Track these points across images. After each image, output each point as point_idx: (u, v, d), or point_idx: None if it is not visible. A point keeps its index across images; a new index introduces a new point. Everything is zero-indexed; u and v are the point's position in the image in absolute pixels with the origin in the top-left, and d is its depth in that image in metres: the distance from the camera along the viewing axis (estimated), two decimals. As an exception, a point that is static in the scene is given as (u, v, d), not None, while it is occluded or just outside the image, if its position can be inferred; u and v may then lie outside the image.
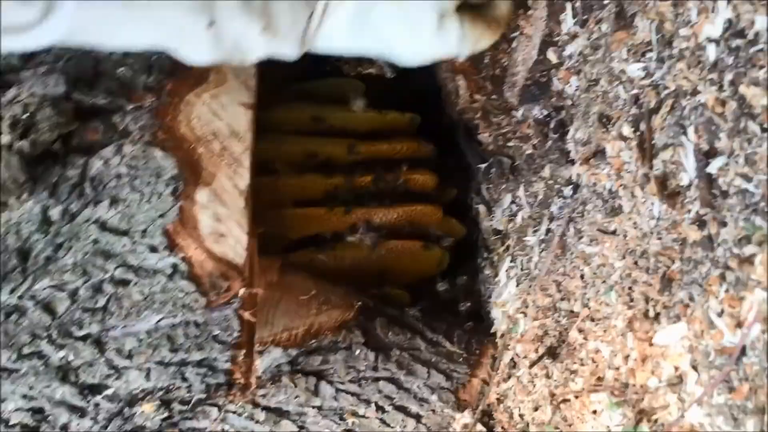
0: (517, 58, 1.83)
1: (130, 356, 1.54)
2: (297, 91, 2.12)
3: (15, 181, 1.42)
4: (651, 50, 1.32)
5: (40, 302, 1.49)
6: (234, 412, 1.81)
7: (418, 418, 1.85)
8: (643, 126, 1.33)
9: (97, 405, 1.62)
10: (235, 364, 1.63)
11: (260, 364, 1.74)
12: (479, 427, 1.78)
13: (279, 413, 1.82)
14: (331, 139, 2.00)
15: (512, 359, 1.78)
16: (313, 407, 1.82)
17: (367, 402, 1.83)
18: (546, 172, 1.87)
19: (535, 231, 1.87)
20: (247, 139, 1.58)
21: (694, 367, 1.17)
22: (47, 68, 1.48)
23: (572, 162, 1.71)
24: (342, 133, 2.05)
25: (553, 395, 1.58)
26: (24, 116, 1.42)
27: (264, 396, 1.80)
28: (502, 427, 1.75)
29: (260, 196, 1.86)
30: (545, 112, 1.88)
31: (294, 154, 1.94)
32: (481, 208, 2.19)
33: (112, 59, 1.52)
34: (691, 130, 1.21)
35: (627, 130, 1.37)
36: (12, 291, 1.47)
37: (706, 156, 1.17)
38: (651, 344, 1.28)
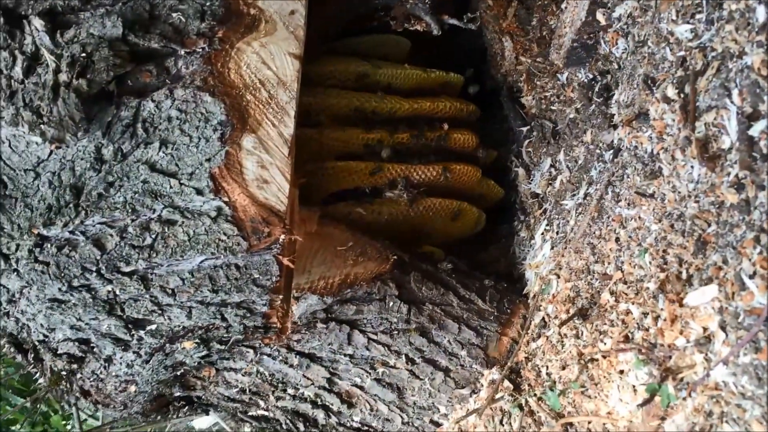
0: (566, 20, 1.83)
1: (173, 294, 1.60)
2: (343, 46, 2.13)
3: (72, 119, 1.48)
4: (700, 11, 1.31)
5: (90, 237, 1.56)
6: (269, 355, 1.88)
7: (446, 371, 1.89)
8: (687, 88, 1.32)
9: (140, 339, 1.70)
10: (273, 308, 1.68)
11: (296, 310, 1.79)
12: (506, 383, 1.81)
13: (312, 359, 1.88)
14: (375, 94, 2.01)
15: (543, 319, 1.80)
16: (345, 355, 1.87)
17: (398, 353, 1.87)
18: (588, 136, 1.87)
19: (573, 195, 1.88)
20: (293, 89, 1.61)
21: (723, 328, 1.18)
22: (105, 10, 1.52)
23: (615, 126, 1.70)
24: (386, 89, 2.06)
25: (581, 355, 1.60)
26: (82, 56, 1.47)
27: (298, 341, 1.86)
28: (529, 385, 1.78)
29: (302, 147, 1.90)
30: (590, 76, 1.87)
31: (338, 108, 1.96)
32: (521, 171, 2.20)
33: (167, 4, 1.55)
34: (735, 93, 1.20)
35: (671, 92, 1.37)
36: (65, 225, 1.54)
37: (748, 119, 1.17)
38: (681, 305, 1.29)
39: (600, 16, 1.69)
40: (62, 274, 1.57)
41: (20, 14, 1.51)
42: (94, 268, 1.56)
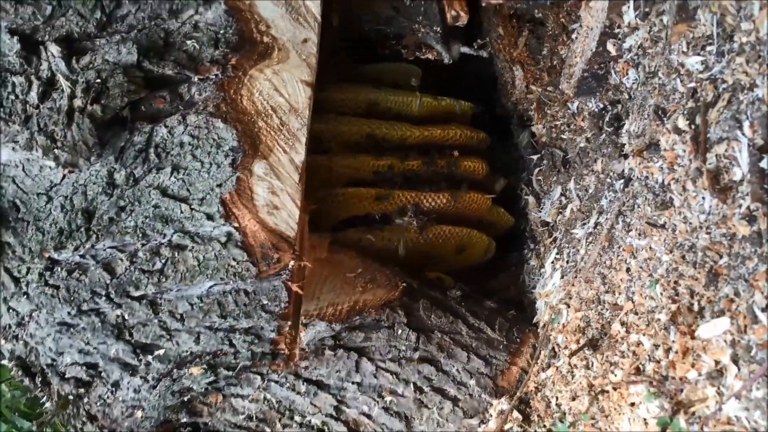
0: (576, 50, 1.83)
1: (182, 319, 1.60)
2: (355, 73, 2.15)
3: (85, 144, 1.49)
4: (711, 44, 1.32)
5: (100, 261, 1.56)
6: (276, 382, 1.87)
7: (455, 401, 1.88)
8: (698, 119, 1.32)
9: (148, 364, 1.69)
10: (281, 334, 1.67)
11: (305, 336, 1.79)
12: (516, 414, 1.79)
13: (319, 386, 1.87)
14: (386, 122, 2.02)
15: (553, 349, 1.79)
16: (353, 383, 1.86)
17: (406, 382, 1.86)
18: (598, 165, 1.87)
19: (584, 224, 1.88)
20: (305, 116, 1.62)
21: (735, 361, 1.17)
22: (121, 37, 1.54)
23: (625, 156, 1.70)
24: (397, 117, 2.07)
25: (591, 386, 1.59)
26: (97, 82, 1.49)
27: (306, 368, 1.85)
28: (539, 416, 1.76)
29: (313, 174, 1.91)
30: (601, 105, 1.88)
31: (349, 135, 1.97)
32: (531, 199, 2.19)
33: (182, 32, 1.57)
34: (746, 125, 1.20)
35: (682, 123, 1.37)
36: (75, 249, 1.55)
37: (760, 151, 1.17)
38: (693, 337, 1.28)
39: (610, 47, 1.70)
40: (72, 298, 1.57)
41: (37, 40, 1.53)
42: (103, 292, 1.57)
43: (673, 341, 1.34)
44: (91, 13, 1.54)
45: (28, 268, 1.57)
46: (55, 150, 1.49)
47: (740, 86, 1.23)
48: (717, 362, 1.21)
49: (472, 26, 2.16)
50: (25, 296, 1.59)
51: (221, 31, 1.59)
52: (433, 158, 2.04)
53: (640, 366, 1.43)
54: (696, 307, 1.30)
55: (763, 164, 1.16)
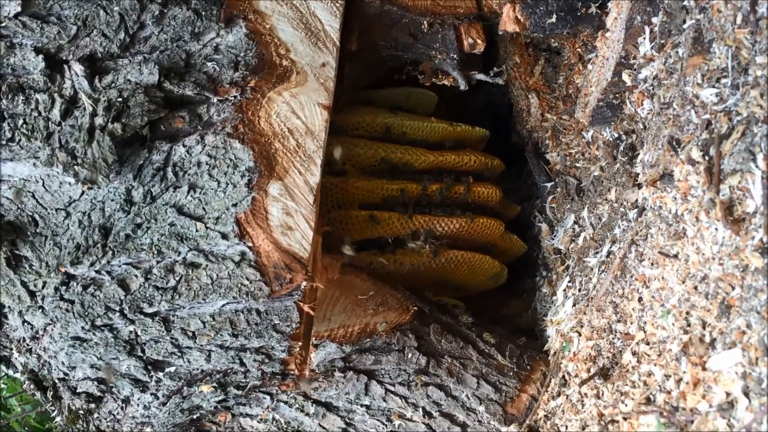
0: (591, 79, 1.85)
1: (194, 337, 1.61)
2: (371, 97, 2.18)
3: (105, 161, 1.52)
4: (726, 76, 1.33)
5: (115, 277, 1.58)
6: (285, 402, 1.87)
7: (464, 427, 1.87)
8: (712, 151, 1.33)
9: (159, 381, 1.70)
10: (291, 354, 1.68)
11: (315, 357, 1.79)
12: (524, 441, 1.79)
13: (328, 408, 1.87)
14: (401, 146, 2.04)
15: (563, 377, 1.78)
16: (362, 405, 1.86)
17: (415, 406, 1.86)
18: (612, 194, 1.88)
19: (597, 252, 1.88)
20: (321, 139, 1.64)
21: (746, 394, 1.16)
22: (143, 58, 1.57)
23: (639, 186, 1.71)
24: (412, 142, 2.09)
25: (601, 415, 1.58)
26: (118, 101, 1.52)
27: (315, 389, 1.85)
28: (548, 444, 1.75)
29: (327, 195, 1.92)
30: (616, 135, 1.89)
31: (364, 158, 1.99)
32: (544, 226, 2.20)
33: (203, 54, 1.60)
34: (760, 157, 1.21)
35: (696, 155, 1.38)
36: (91, 264, 1.57)
37: (774, 183, 1.17)
38: (704, 369, 1.27)
39: (626, 77, 1.71)
40: (86, 313, 1.59)
41: (61, 59, 1.56)
42: (117, 308, 1.58)
43: (684, 372, 1.33)
44: (115, 33, 1.58)
45: (44, 282, 1.59)
46: (75, 167, 1.52)
47: (754, 119, 1.24)
48: (728, 394, 1.21)
49: (490, 54, 2.18)
50: (41, 310, 1.61)
51: (241, 54, 1.62)
52: (447, 183, 2.05)
53: (651, 396, 1.43)
54: (708, 339, 1.30)
55: (776, 197, 1.16)
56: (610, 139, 1.92)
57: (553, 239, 2.16)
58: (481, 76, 2.10)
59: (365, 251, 1.99)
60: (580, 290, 1.92)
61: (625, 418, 1.48)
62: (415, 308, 1.87)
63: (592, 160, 2.01)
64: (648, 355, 1.48)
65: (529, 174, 2.33)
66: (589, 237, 1.95)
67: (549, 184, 2.21)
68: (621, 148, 1.86)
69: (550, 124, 2.17)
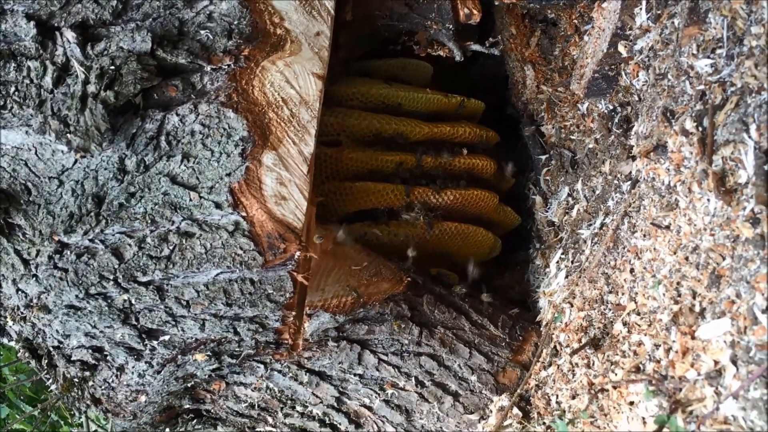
0: (587, 51, 1.84)
1: (187, 306, 1.62)
2: (366, 68, 2.16)
3: (97, 129, 1.51)
4: (721, 47, 1.32)
5: (109, 246, 1.58)
6: (279, 371, 1.88)
7: (456, 396, 1.89)
8: (706, 122, 1.33)
9: (153, 349, 1.71)
10: (285, 324, 1.69)
11: (308, 327, 1.80)
12: (516, 410, 1.80)
13: (322, 377, 1.89)
14: (395, 117, 2.03)
15: (554, 347, 1.79)
16: (355, 375, 1.88)
17: (408, 375, 1.87)
18: (606, 166, 1.88)
19: (590, 224, 1.88)
20: (315, 109, 1.63)
21: (734, 362, 1.17)
22: (135, 25, 1.56)
23: (633, 158, 1.71)
24: (407, 113, 2.08)
25: (591, 384, 1.59)
26: (110, 68, 1.51)
27: (309, 358, 1.87)
28: (539, 413, 1.77)
29: (321, 166, 1.92)
30: (611, 107, 1.88)
31: (358, 129, 1.98)
32: (538, 199, 2.20)
33: (196, 21, 1.59)
34: (753, 128, 1.21)
35: (690, 125, 1.38)
36: (85, 233, 1.57)
37: (766, 154, 1.17)
38: (693, 338, 1.28)
39: (622, 48, 1.70)
40: (80, 281, 1.59)
41: (53, 26, 1.55)
42: (111, 277, 1.59)
43: (674, 341, 1.34)
44: (107, 0, 1.56)
45: (38, 251, 1.59)
46: (68, 134, 1.51)
47: (748, 89, 1.24)
48: (716, 362, 1.22)
49: (486, 26, 2.17)
50: (34, 278, 1.61)
51: (235, 22, 1.60)
52: (442, 155, 2.05)
53: (641, 365, 1.44)
54: (697, 308, 1.31)
55: (768, 167, 1.17)
56: (605, 111, 1.91)
57: (547, 211, 2.16)
58: (476, 47, 2.09)
59: (359, 222, 2.00)
60: (572, 262, 1.93)
61: (614, 387, 1.50)
62: (409, 279, 1.88)
63: (587, 133, 2.01)
64: (638, 325, 1.50)
65: (524, 146, 2.33)
66: (582, 209, 1.96)
67: (544, 157, 2.21)
68: (616, 121, 1.86)
69: (545, 97, 2.17)
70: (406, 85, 2.15)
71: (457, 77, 2.32)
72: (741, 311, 1.19)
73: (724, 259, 1.27)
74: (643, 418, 1.39)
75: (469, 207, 2.11)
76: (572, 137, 2.09)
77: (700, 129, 1.36)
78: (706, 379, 1.22)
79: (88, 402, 1.86)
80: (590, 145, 1.99)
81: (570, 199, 2.05)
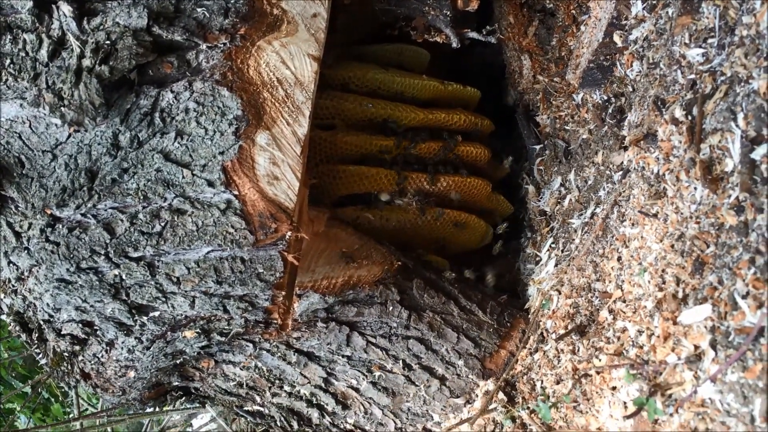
0: (583, 40, 1.85)
1: (178, 282, 1.63)
2: (363, 53, 2.17)
3: (92, 103, 1.52)
4: (713, 36, 1.33)
5: (101, 221, 1.59)
6: (268, 351, 1.90)
7: (442, 380, 1.90)
8: (696, 110, 1.34)
9: (143, 325, 1.72)
10: (275, 303, 1.70)
11: (298, 307, 1.81)
12: (501, 395, 1.82)
13: (310, 357, 1.90)
14: (391, 102, 2.04)
15: (541, 334, 1.81)
16: (343, 356, 1.89)
17: (396, 358, 1.89)
18: (599, 157, 1.89)
19: (581, 214, 1.89)
20: (310, 90, 1.64)
21: (713, 346, 1.19)
22: (132, 1, 1.56)
23: (625, 148, 1.72)
24: (402, 98, 2.09)
25: (575, 370, 1.61)
26: (106, 43, 1.51)
27: (298, 339, 1.88)
28: (523, 398, 1.78)
29: (315, 149, 1.93)
30: (605, 97, 1.89)
31: (353, 113, 1.99)
32: (531, 188, 2.21)
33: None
34: (740, 117, 1.22)
35: (680, 114, 1.39)
36: (77, 207, 1.57)
37: (752, 142, 1.18)
38: (675, 323, 1.30)
39: (617, 38, 1.71)
40: (71, 255, 1.60)
41: (50, -1, 1.55)
42: (102, 252, 1.59)
43: (656, 327, 1.36)
44: (105, -25, 1.57)
45: (30, 224, 1.60)
46: (62, 108, 1.52)
47: (738, 78, 1.25)
48: (696, 347, 1.23)
49: (484, 14, 2.17)
50: (26, 251, 1.62)
51: (232, 1, 1.60)
52: (437, 142, 2.06)
53: (624, 351, 1.45)
54: (681, 295, 1.32)
55: (754, 155, 1.18)
56: (600, 101, 1.92)
57: (539, 201, 2.17)
58: (473, 35, 2.10)
59: (352, 206, 2.00)
60: (562, 251, 1.94)
61: (598, 372, 1.51)
62: (399, 263, 1.89)
63: (581, 123, 2.02)
64: (624, 312, 1.51)
65: (519, 135, 2.33)
66: (574, 199, 1.97)
67: (538, 147, 2.22)
68: (609, 111, 1.87)
69: (541, 86, 2.18)
70: (403, 70, 2.15)
71: (454, 65, 2.33)
72: (722, 297, 1.20)
73: (708, 246, 1.28)
74: (625, 403, 1.41)
75: (462, 194, 2.12)
76: (566, 127, 2.10)
77: (690, 118, 1.37)
78: (686, 363, 1.24)
79: (78, 377, 1.87)
80: (584, 136, 2.00)
81: (562, 189, 2.06)
